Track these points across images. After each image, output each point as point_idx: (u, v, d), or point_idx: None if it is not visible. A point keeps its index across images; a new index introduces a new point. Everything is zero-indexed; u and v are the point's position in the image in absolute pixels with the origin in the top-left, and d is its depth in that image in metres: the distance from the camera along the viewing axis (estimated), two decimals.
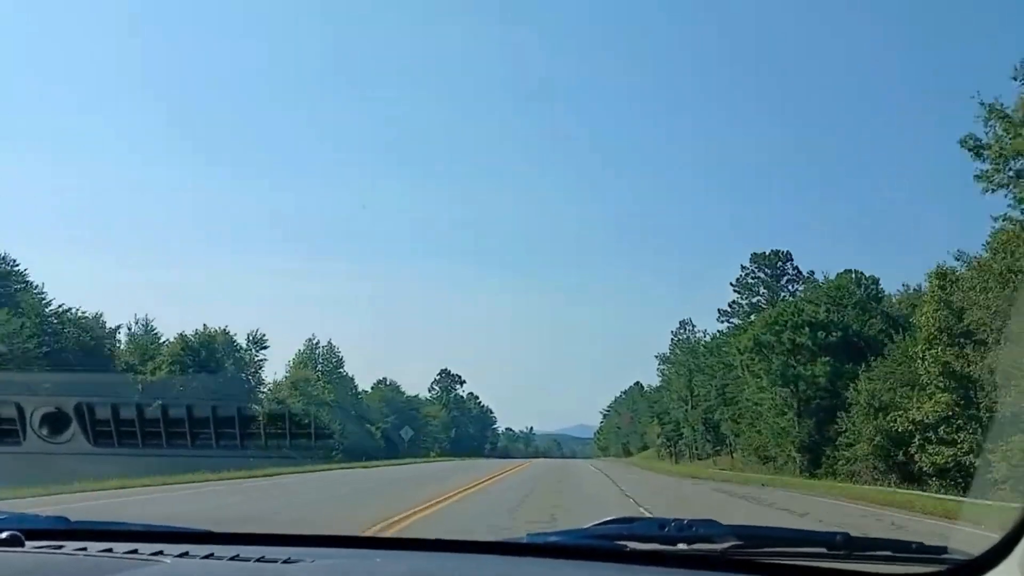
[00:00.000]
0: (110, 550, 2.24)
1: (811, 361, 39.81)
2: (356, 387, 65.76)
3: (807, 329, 39.94)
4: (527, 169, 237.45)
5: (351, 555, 2.51)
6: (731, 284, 58.63)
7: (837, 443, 36.12)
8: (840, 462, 36.88)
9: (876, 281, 46.18)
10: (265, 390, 44.20)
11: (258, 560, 2.13)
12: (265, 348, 44.62)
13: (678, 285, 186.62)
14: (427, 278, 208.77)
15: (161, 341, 40.15)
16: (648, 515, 11.80)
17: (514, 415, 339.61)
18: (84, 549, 2.24)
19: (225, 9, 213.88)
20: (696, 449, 72.57)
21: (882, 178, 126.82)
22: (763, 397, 43.59)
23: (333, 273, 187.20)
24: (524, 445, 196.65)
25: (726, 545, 2.27)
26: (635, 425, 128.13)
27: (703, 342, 71.36)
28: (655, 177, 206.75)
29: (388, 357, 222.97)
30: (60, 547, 2.27)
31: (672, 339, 74.34)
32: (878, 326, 42.09)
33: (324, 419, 48.70)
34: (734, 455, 64.61)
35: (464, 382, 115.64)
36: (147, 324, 40.96)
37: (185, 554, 2.19)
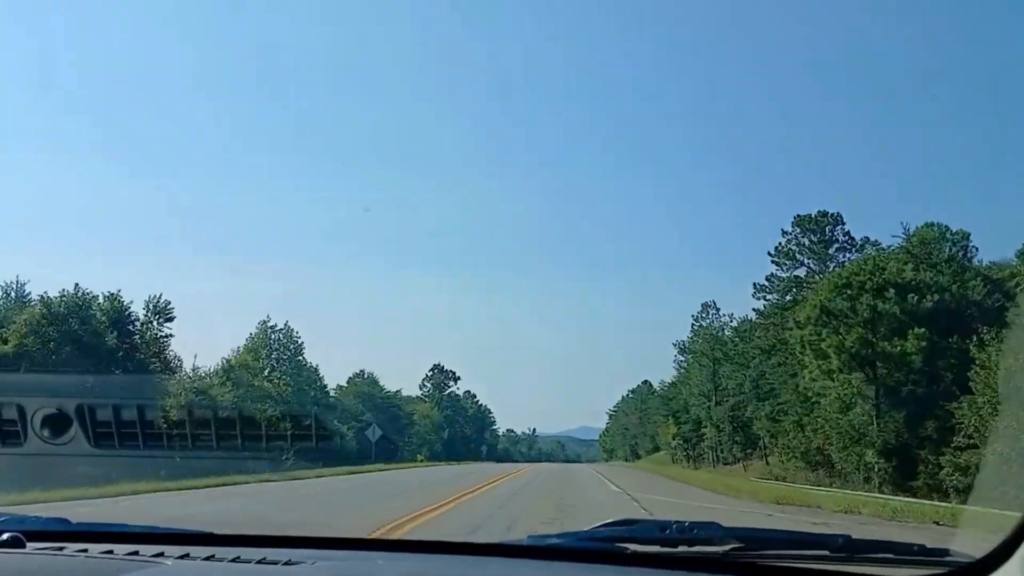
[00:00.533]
0: (111, 552, 2.22)
1: (898, 335, 29.40)
2: (321, 379, 55.23)
3: (891, 292, 29.45)
4: (532, 171, 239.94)
5: (352, 557, 2.49)
6: (769, 254, 48.15)
7: (950, 444, 25.73)
8: (946, 470, 26.59)
9: (966, 236, 35.82)
10: (180, 378, 33.88)
11: (259, 562, 2.13)
12: (170, 320, 34.20)
13: (692, 278, 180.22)
14: (426, 280, 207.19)
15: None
16: None
17: (517, 416, 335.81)
18: (85, 551, 2.23)
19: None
20: (721, 452, 62.24)
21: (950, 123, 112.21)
22: (827, 385, 33.13)
23: (330, 277, 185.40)
24: (527, 447, 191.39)
25: (727, 548, 2.25)
26: (644, 426, 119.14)
27: (731, 326, 60.93)
28: (660, 164, 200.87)
29: (384, 360, 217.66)
30: (61, 549, 2.26)
31: (693, 325, 63.69)
32: (980, 289, 31.80)
33: (268, 417, 38.58)
34: (768, 459, 54.29)
35: (459, 379, 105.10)
36: (17, 287, 30.71)
37: (186, 556, 2.18)
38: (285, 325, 51.42)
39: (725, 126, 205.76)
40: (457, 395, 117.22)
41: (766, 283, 48.62)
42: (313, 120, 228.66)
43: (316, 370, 54.01)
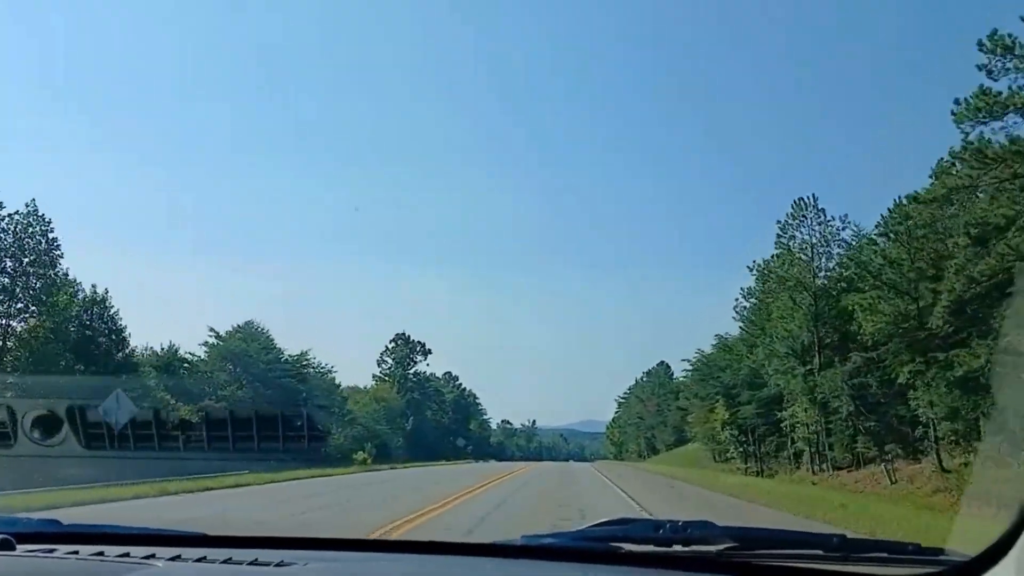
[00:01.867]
0: (102, 553, 2.17)
1: None
2: (110, 311, 28.97)
3: None
4: (537, 169, 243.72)
5: (345, 558, 2.43)
6: (980, 46, 22.70)
7: None
8: None
9: None
10: None
11: (251, 563, 2.08)
12: None
13: (692, 274, 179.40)
14: (425, 277, 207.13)
15: None
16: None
17: (518, 410, 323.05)
18: (76, 553, 2.18)
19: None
20: (825, 447, 36.93)
21: None
22: None
23: (330, 275, 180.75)
24: (525, 440, 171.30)
25: (722, 547, 2.21)
26: (664, 414, 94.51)
27: (839, 238, 35.43)
28: (660, 164, 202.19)
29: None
30: (52, 551, 2.21)
31: (779, 238, 37.55)
32: None
33: None
34: (942, 462, 28.93)
35: (429, 352, 79.46)
36: None
37: (178, 557, 2.13)
38: (27, 206, 25.90)
39: (724, 126, 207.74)
40: (433, 376, 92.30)
41: (981, 103, 22.83)
42: (313, 119, 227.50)
43: (103, 300, 28.20)
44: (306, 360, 43.58)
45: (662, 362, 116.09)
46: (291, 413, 39.64)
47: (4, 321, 25.08)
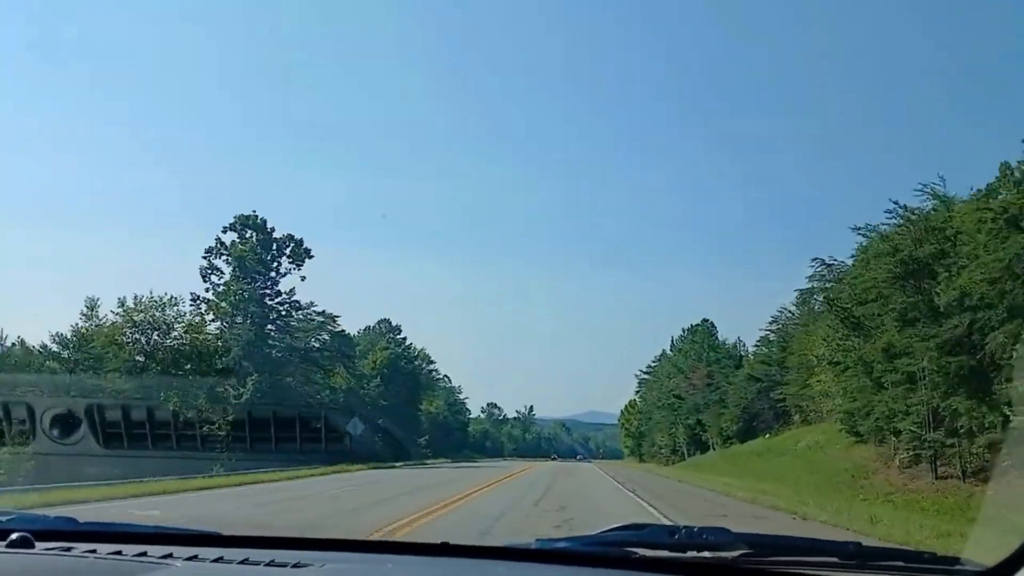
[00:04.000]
0: (119, 552, 2.15)
1: None
2: None
3: None
4: (537, 155, 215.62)
5: (360, 560, 2.43)
6: None
7: None
8: None
9: None
10: None
11: (268, 564, 2.07)
12: None
13: (702, 263, 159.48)
14: (427, 264, 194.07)
15: None
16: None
17: (519, 403, 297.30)
18: (94, 551, 2.16)
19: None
20: None
21: None
22: None
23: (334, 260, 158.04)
24: (521, 431, 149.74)
25: (736, 553, 2.19)
26: (720, 389, 57.83)
27: None
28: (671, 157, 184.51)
29: None
30: (69, 549, 2.19)
31: None
32: None
33: None
34: None
35: (308, 255, 40.48)
36: None
37: (195, 557, 2.11)
38: None
39: (733, 122, 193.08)
40: (362, 331, 54.09)
41: None
42: (317, 109, 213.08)
43: None
44: None
45: (705, 320, 78.81)
46: None
47: None
